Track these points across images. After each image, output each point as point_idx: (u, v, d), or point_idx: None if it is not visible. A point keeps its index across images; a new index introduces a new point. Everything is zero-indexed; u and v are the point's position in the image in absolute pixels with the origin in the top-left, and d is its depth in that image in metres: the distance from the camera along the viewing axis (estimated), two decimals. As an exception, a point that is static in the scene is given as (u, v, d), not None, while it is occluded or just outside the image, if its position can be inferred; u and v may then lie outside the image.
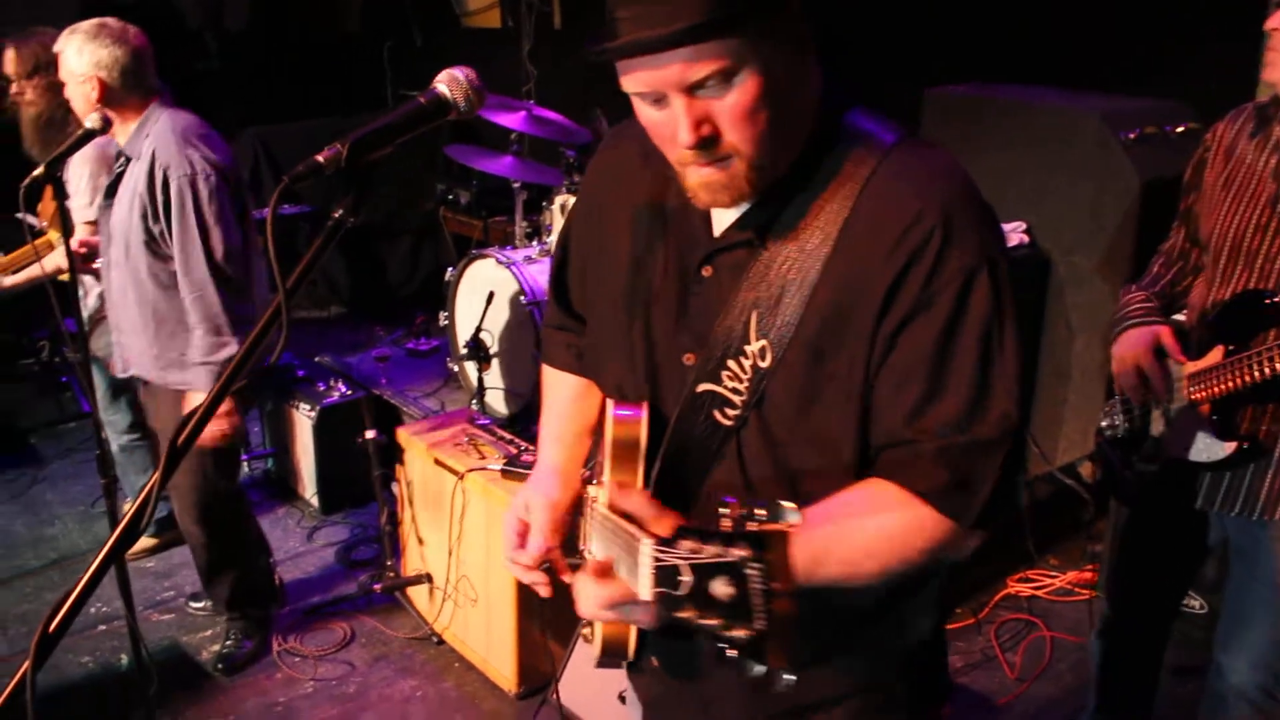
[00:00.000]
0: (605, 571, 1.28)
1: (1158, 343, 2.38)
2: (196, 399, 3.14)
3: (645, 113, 1.34)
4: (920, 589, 1.58)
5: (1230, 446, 2.27)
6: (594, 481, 1.69)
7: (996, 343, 1.35)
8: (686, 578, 1.04)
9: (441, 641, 3.68)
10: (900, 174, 1.36)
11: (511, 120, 4.78)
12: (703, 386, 1.46)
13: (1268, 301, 2.17)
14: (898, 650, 1.60)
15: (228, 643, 3.62)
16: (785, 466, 1.45)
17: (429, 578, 3.68)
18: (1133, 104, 4.11)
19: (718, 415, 1.46)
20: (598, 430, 1.79)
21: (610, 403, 1.57)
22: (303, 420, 4.49)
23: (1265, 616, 2.39)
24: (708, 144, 1.29)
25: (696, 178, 1.34)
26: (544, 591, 1.68)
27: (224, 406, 3.08)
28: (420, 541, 3.71)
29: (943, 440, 1.34)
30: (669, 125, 1.30)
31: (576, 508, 1.72)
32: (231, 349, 3.06)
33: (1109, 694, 2.80)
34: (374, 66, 7.72)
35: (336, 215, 1.33)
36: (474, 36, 7.29)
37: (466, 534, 3.43)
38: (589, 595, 1.28)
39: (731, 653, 1.05)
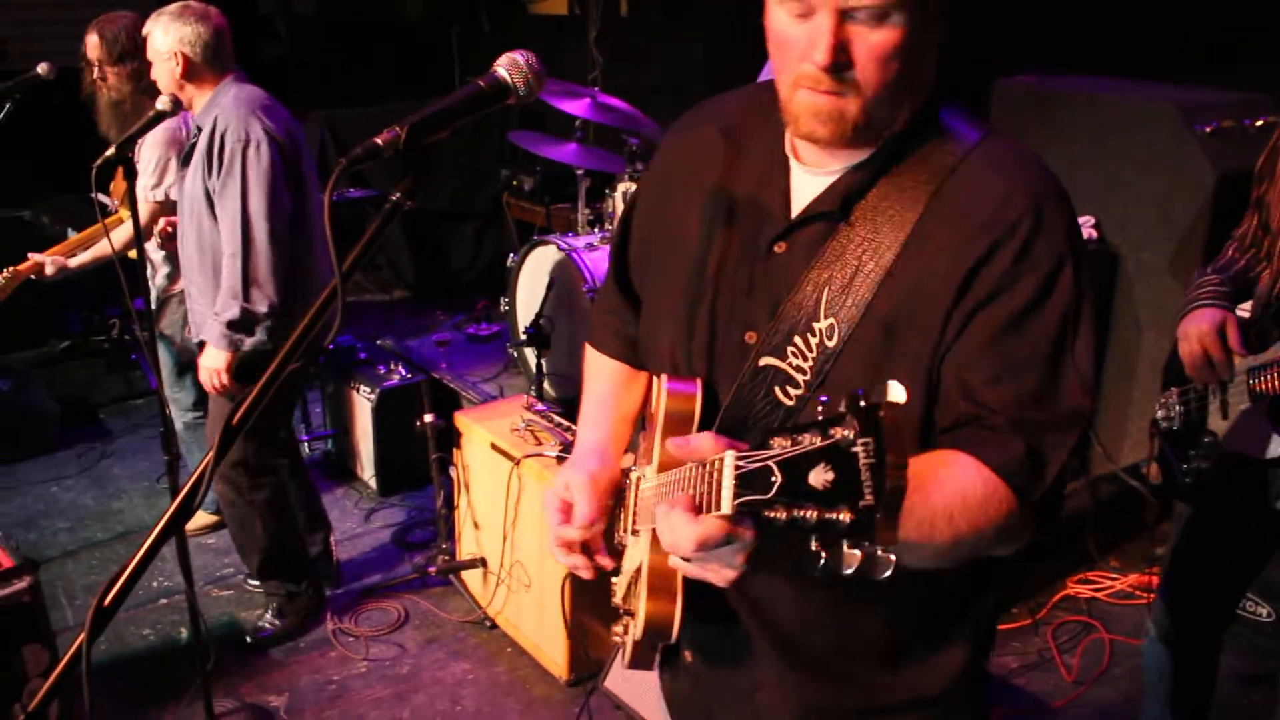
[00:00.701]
0: (696, 509, 1.16)
1: (1223, 325, 2.33)
2: (209, 352, 3.29)
3: (782, 23, 1.32)
4: (975, 597, 1.55)
5: None
6: (635, 466, 1.65)
7: (1073, 333, 1.34)
8: (777, 477, 0.96)
9: (494, 626, 3.70)
10: (988, 163, 1.36)
11: (576, 107, 4.79)
12: (765, 360, 1.43)
13: None
14: (958, 660, 1.56)
15: (266, 616, 3.69)
16: None
17: (483, 562, 3.70)
18: (1210, 96, 4.00)
19: (779, 393, 1.43)
20: (639, 420, 1.76)
21: (663, 376, 1.55)
22: (362, 403, 4.53)
23: None
24: (837, 69, 1.28)
25: (807, 102, 1.32)
26: (587, 574, 1.64)
27: (226, 360, 3.24)
28: (476, 526, 3.73)
29: (1016, 414, 1.31)
30: (805, 41, 1.29)
31: (616, 496, 1.67)
32: (234, 313, 3.20)
33: (1163, 701, 2.74)
34: (442, 52, 7.78)
35: (394, 198, 1.33)
36: (541, 23, 7.31)
37: (521, 520, 3.44)
38: (684, 533, 1.13)
39: (820, 550, 0.94)
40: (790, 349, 1.41)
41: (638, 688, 3.08)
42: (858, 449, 0.92)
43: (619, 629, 1.68)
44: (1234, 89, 4.06)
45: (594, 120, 4.83)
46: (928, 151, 1.38)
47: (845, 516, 0.92)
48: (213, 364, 3.28)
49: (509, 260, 4.66)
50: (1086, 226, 4.02)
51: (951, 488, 1.27)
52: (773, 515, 0.97)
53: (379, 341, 5.26)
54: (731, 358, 1.49)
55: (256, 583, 3.90)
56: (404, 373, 4.57)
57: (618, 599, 1.67)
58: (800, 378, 1.41)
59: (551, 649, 3.45)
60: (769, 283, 1.45)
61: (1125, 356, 4.04)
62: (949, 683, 1.56)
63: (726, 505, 1.03)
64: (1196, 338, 2.36)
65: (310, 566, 3.76)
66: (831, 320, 1.38)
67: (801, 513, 0.95)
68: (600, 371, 1.80)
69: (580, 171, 4.94)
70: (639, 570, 1.52)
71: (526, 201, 6.38)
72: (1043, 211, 1.32)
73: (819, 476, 0.94)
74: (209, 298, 3.32)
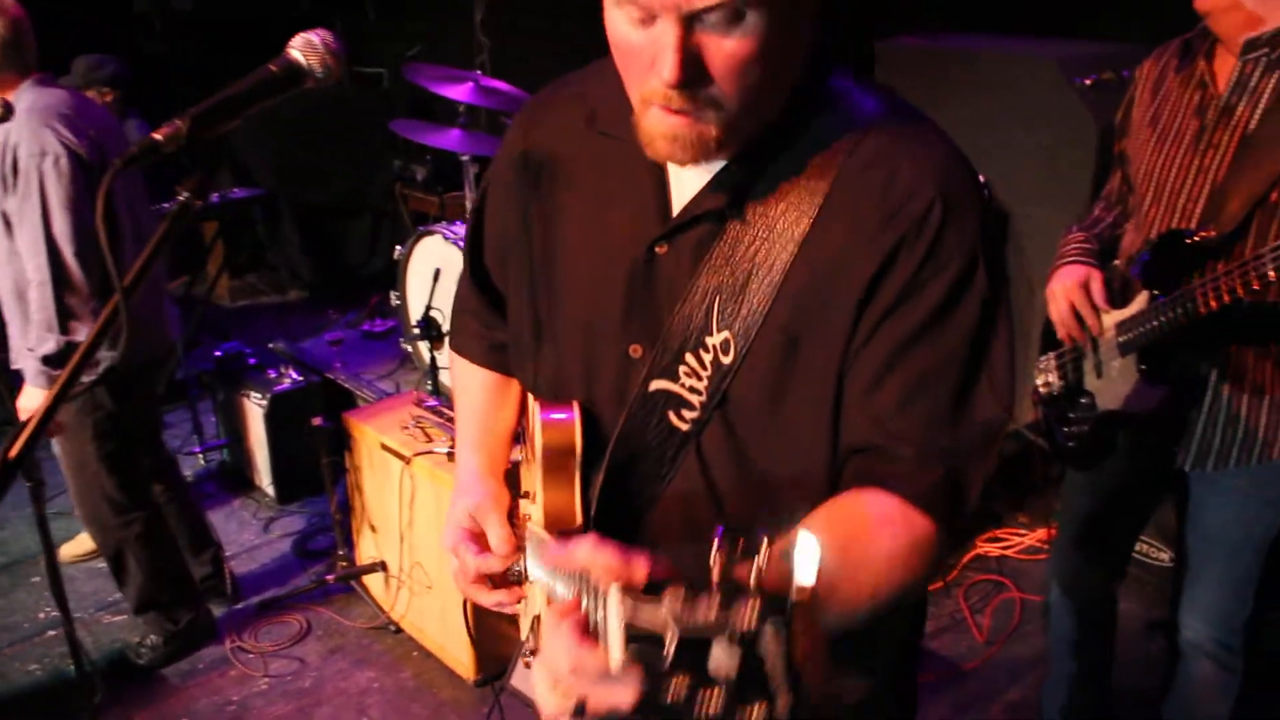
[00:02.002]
0: (571, 613, 1.00)
1: (1088, 281, 2.30)
2: (27, 391, 2.99)
3: (622, 32, 1.13)
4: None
5: (1159, 394, 2.19)
6: (525, 496, 1.52)
7: (988, 335, 1.23)
8: (670, 648, 0.82)
9: (399, 630, 3.60)
10: (892, 146, 1.21)
11: (459, 92, 4.65)
12: (656, 384, 1.29)
13: (1188, 241, 2.08)
14: (889, 660, 1.49)
15: (144, 645, 3.49)
16: (754, 473, 1.29)
17: (383, 566, 3.59)
18: (1090, 48, 4.01)
19: (673, 418, 1.29)
20: (517, 435, 1.63)
21: (536, 406, 1.39)
22: (254, 409, 4.38)
23: (1213, 572, 2.35)
24: (689, 85, 1.09)
25: (660, 125, 1.14)
26: (512, 609, 1.50)
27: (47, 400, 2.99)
28: (373, 529, 3.61)
29: (928, 442, 1.20)
30: (648, 53, 1.10)
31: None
32: (50, 347, 2.92)
33: (1068, 655, 2.74)
34: (326, 42, 7.56)
35: (183, 197, 1.22)
36: (426, 7, 7.14)
37: (417, 519, 3.34)
38: (560, 654, 0.97)
39: None
40: (682, 369, 1.27)
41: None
42: (766, 641, 0.79)
43: (529, 648, 1.56)
44: (1116, 40, 4.06)
45: (480, 105, 4.71)
46: (821, 129, 1.22)
47: (758, 713, 0.79)
48: (32, 405, 2.94)
49: (395, 253, 4.53)
50: (975, 185, 4.00)
51: (879, 558, 1.16)
52: (669, 699, 0.82)
53: (271, 345, 5.09)
54: (613, 375, 1.34)
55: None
56: (296, 376, 4.42)
57: (524, 634, 1.57)
58: (695, 399, 1.27)
59: (457, 650, 3.35)
60: (653, 290, 1.29)
61: (1020, 314, 4.01)
62: (891, 683, 1.50)
63: (615, 661, 0.88)
64: (1063, 294, 2.34)
65: (194, 596, 3.58)
66: (726, 334, 1.24)
67: (705, 704, 0.80)
68: (470, 383, 1.65)
69: (466, 157, 4.81)
70: (539, 618, 1.41)
71: (420, 191, 6.22)
72: (951, 204, 1.18)
73: (720, 661, 0.80)
74: (19, 328, 3.04)
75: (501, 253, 1.54)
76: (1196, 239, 2.06)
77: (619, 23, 1.13)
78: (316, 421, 3.66)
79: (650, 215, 1.29)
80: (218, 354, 4.61)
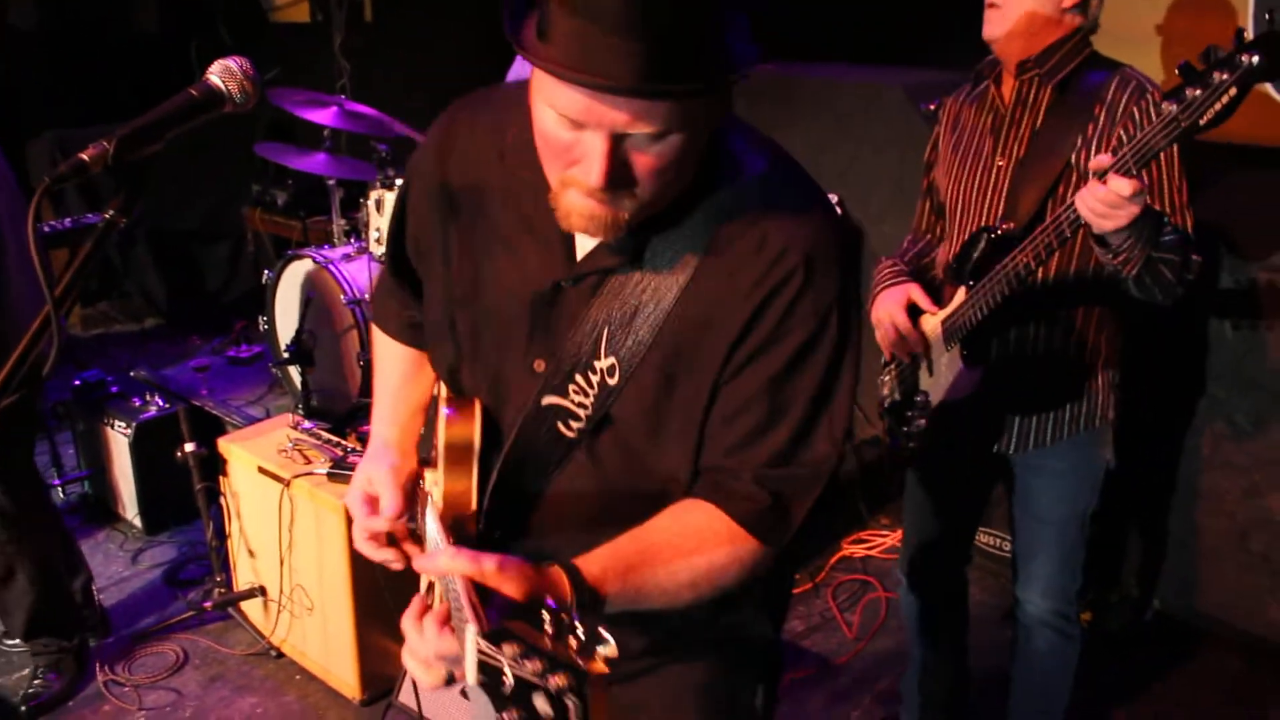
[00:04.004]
0: (448, 621, 1.22)
1: (909, 300, 2.52)
2: None
3: (550, 127, 1.23)
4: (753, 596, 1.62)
5: (977, 376, 2.41)
6: (430, 464, 1.65)
7: (832, 383, 1.40)
8: (509, 681, 1.03)
9: (280, 654, 3.57)
10: (767, 208, 1.36)
11: (323, 116, 4.65)
12: (548, 399, 1.45)
13: (992, 236, 2.32)
14: (746, 651, 1.67)
15: (35, 681, 3.39)
16: (632, 473, 1.48)
17: (262, 590, 3.56)
18: (935, 76, 4.26)
19: (561, 427, 1.46)
20: (431, 408, 1.75)
21: (442, 402, 1.55)
22: (118, 438, 4.27)
23: (1043, 547, 2.58)
24: (612, 187, 1.22)
25: (579, 205, 1.26)
26: (398, 566, 1.64)
27: None
28: (251, 554, 3.59)
29: (762, 476, 1.39)
30: (576, 150, 1.22)
31: (414, 486, 1.69)
32: None
33: (925, 644, 2.92)
34: (181, 65, 7.39)
35: (107, 215, 1.27)
36: (284, 32, 7.08)
37: (297, 542, 3.34)
38: (428, 641, 1.22)
39: None
40: (572, 387, 1.43)
41: (432, 697, 3.03)
42: (568, 704, 1.00)
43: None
44: (957, 69, 4.33)
45: (343, 129, 4.72)
46: (710, 192, 1.36)
47: None
48: None
49: (264, 277, 4.50)
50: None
51: (700, 564, 1.37)
52: (508, 715, 1.04)
53: (132, 373, 4.97)
54: (517, 384, 1.50)
55: (13, 642, 3.61)
56: (162, 403, 4.32)
57: (423, 588, 1.66)
58: (582, 412, 1.44)
59: (341, 670, 3.35)
60: (553, 317, 1.45)
61: (870, 327, 4.25)
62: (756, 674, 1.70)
63: (471, 678, 1.08)
64: (888, 318, 2.54)
65: (80, 615, 3.50)
66: (613, 359, 1.40)
67: None
68: (389, 356, 1.80)
69: (332, 182, 4.81)
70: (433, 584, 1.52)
71: (281, 216, 6.15)
72: (813, 267, 1.34)
73: (542, 705, 1.02)
74: None
75: (419, 246, 1.64)
76: (999, 232, 2.32)
77: (548, 120, 1.23)
78: (189, 447, 3.61)
79: (557, 257, 1.43)
80: (76, 383, 4.48)
